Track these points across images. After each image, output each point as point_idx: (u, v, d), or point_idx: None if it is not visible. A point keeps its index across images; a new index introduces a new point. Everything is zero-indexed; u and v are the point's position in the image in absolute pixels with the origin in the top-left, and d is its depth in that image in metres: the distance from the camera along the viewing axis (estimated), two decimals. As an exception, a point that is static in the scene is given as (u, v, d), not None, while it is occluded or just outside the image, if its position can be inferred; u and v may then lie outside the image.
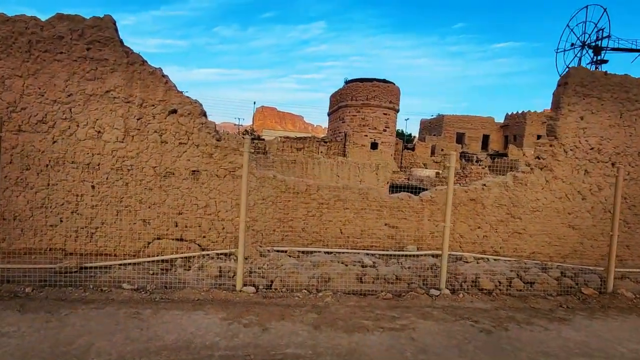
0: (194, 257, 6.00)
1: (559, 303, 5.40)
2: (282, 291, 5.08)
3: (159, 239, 6.24)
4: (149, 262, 5.85)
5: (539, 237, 7.47)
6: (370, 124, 33.93)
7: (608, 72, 7.58)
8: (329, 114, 41.04)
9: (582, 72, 7.45)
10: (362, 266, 6.02)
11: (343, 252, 6.65)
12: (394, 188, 15.33)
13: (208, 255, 6.12)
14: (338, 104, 36.14)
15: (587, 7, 27.16)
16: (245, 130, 49.16)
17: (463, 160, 41.78)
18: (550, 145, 7.48)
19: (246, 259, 5.51)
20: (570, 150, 7.49)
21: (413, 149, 41.69)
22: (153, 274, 5.41)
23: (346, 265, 5.91)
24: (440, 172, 31.01)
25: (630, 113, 7.65)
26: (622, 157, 7.65)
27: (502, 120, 49.95)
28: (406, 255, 6.75)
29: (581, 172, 7.56)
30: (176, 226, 6.30)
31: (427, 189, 7.89)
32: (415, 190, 7.58)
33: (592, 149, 7.55)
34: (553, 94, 7.63)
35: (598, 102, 7.52)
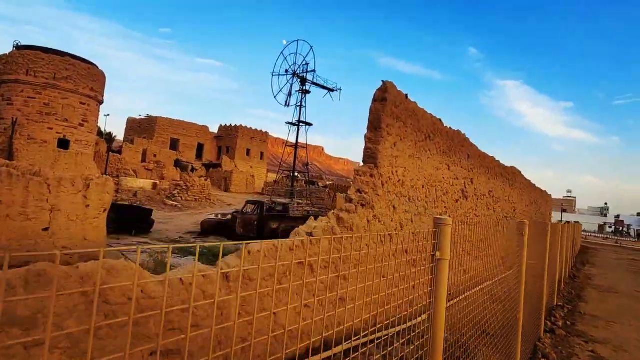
0: None
1: None
2: None
3: None
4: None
5: (361, 299, 5.54)
6: (60, 114, 24.70)
7: (408, 95, 6.75)
8: (-18, 89, 27.17)
9: (396, 90, 6.23)
10: None
11: None
12: (115, 212, 10.16)
13: None
14: (1, 75, 24.29)
15: (298, 41, 31.06)
16: None
17: (179, 168, 38.53)
18: (371, 176, 5.76)
19: None
20: (386, 182, 6.07)
21: (120, 152, 34.35)
22: None
23: None
24: (159, 183, 26.35)
25: (421, 144, 7.16)
26: (414, 191, 7.02)
27: (216, 131, 50.36)
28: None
29: (391, 209, 6.29)
30: None
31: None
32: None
33: (399, 181, 6.45)
34: (370, 110, 6.00)
35: (404, 127, 6.52)
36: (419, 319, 6.29)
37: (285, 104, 31.82)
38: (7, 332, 2.20)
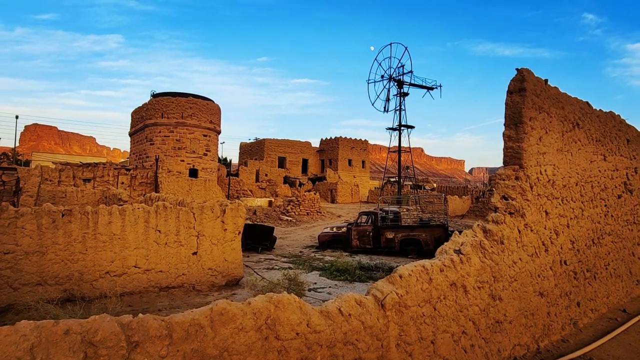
0: None
1: None
2: None
3: None
4: None
5: (518, 321, 4.82)
6: (188, 147, 28.37)
7: (548, 80, 5.79)
8: (130, 134, 32.93)
9: (534, 77, 5.39)
10: None
11: None
12: (246, 233, 11.07)
13: None
14: (143, 121, 29.02)
15: (391, 44, 30.49)
16: (3, 154, 34.56)
17: (288, 184, 40.80)
18: (517, 178, 5.02)
19: None
20: (534, 184, 5.24)
21: (237, 175, 37.95)
22: None
23: None
24: (273, 200, 28.29)
25: (568, 135, 6.07)
26: (566, 191, 5.95)
27: (318, 145, 52.27)
28: None
29: (543, 214, 5.41)
30: None
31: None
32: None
33: (548, 181, 5.53)
34: (506, 104, 5.29)
35: (548, 118, 5.59)
36: (596, 344, 5.24)
37: (384, 109, 31.32)
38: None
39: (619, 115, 7.78)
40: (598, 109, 7.11)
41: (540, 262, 5.27)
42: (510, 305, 4.68)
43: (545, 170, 5.45)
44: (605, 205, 7.05)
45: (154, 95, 29.80)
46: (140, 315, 2.23)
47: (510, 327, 4.69)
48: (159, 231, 7.43)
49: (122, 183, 23.50)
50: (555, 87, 5.94)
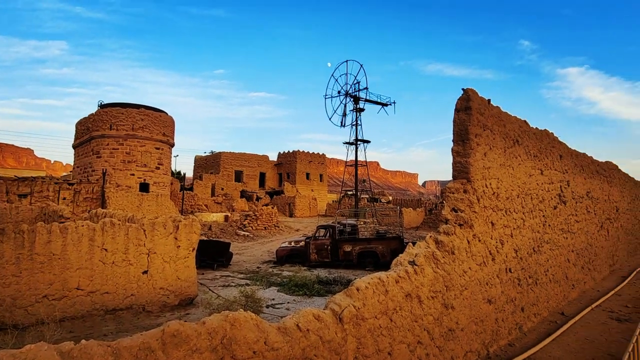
0: None
1: None
2: None
3: None
4: None
5: (469, 328, 5.03)
6: (139, 160, 27.08)
7: (491, 100, 6.24)
8: (74, 147, 30.89)
9: (478, 97, 5.79)
10: None
11: None
12: (200, 250, 10.62)
13: None
14: (90, 132, 27.38)
15: (347, 61, 31.40)
16: None
17: (245, 198, 40.08)
18: (465, 192, 5.31)
19: None
20: (481, 197, 5.57)
21: (191, 189, 36.69)
22: None
23: None
24: (230, 215, 27.55)
25: (509, 150, 6.55)
26: (509, 203, 6.38)
27: (275, 159, 52.01)
28: None
29: (489, 225, 5.74)
30: None
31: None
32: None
33: (493, 193, 5.90)
34: (454, 121, 5.61)
35: (492, 135, 6.01)
36: (539, 347, 5.56)
37: (341, 124, 31.97)
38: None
39: (552, 133, 8.52)
40: (535, 127, 7.75)
41: (488, 271, 5.57)
42: (461, 314, 4.88)
43: (490, 184, 5.82)
44: (543, 216, 7.63)
45: (102, 106, 28.26)
46: (83, 341, 2.07)
47: (462, 335, 4.88)
48: (106, 250, 6.96)
49: (64, 199, 21.88)
50: (497, 107, 6.40)
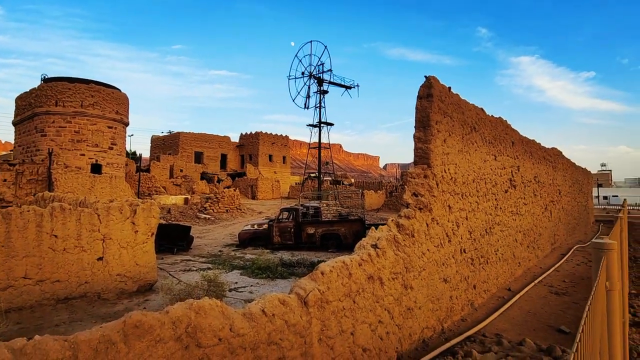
0: None
1: None
2: None
3: None
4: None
5: (426, 306, 5.31)
6: (90, 140, 25.48)
7: (451, 88, 6.44)
8: (15, 124, 28.44)
9: (440, 85, 5.94)
10: None
11: None
12: (161, 235, 10.22)
13: None
14: (32, 108, 25.28)
15: (311, 42, 30.91)
16: None
17: (205, 180, 39.10)
18: (425, 177, 5.50)
19: None
20: (440, 182, 5.79)
21: (148, 171, 35.17)
22: None
23: None
24: (190, 197, 26.77)
25: (467, 137, 6.83)
26: (465, 187, 6.70)
27: (237, 140, 50.87)
28: None
29: (447, 209, 6.01)
30: None
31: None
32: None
33: (451, 178, 6.16)
34: (416, 108, 5.74)
35: (451, 122, 6.22)
36: (488, 321, 5.99)
37: (305, 106, 31.73)
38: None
39: (506, 121, 8.97)
40: (490, 115, 8.12)
41: (444, 252, 5.86)
42: (420, 293, 5.13)
43: (449, 169, 6.06)
44: (496, 199, 8.09)
45: (46, 80, 26.06)
46: (37, 337, 1.96)
47: (419, 313, 5.14)
48: (56, 236, 6.56)
49: (5, 180, 20.23)
50: (457, 94, 6.62)
